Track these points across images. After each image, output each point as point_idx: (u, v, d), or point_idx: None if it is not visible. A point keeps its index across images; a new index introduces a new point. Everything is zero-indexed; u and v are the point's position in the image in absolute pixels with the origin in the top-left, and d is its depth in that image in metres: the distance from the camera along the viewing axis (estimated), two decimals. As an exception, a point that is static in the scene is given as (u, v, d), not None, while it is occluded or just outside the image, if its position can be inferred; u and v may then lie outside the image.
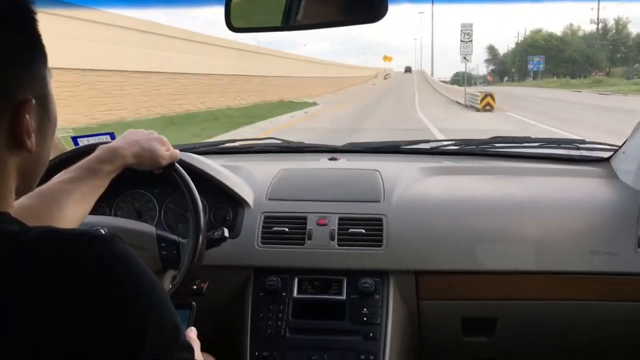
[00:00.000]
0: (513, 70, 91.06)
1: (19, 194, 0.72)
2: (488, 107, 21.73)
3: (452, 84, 49.43)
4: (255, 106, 24.53)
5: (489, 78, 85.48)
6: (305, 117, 20.22)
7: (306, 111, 22.65)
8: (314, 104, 27.98)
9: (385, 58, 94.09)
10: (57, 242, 0.62)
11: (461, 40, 27.32)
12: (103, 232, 0.68)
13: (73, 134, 1.81)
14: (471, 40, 27.41)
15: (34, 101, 0.68)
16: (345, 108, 24.65)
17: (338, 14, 1.24)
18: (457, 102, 27.35)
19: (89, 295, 0.59)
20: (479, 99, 22.30)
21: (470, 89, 31.05)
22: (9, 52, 0.65)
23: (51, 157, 1.54)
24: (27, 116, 0.67)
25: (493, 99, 22.17)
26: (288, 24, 1.26)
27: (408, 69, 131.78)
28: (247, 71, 26.75)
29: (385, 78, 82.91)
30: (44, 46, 0.71)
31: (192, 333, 1.09)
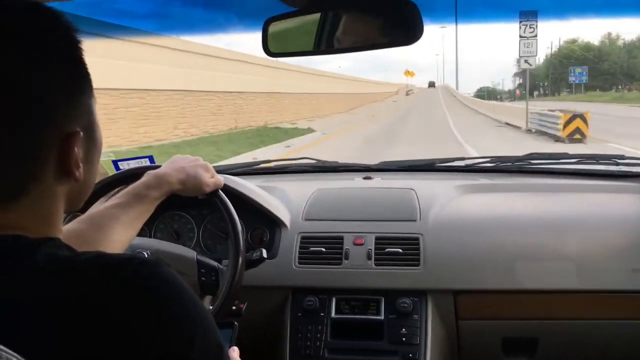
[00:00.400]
0: (545, 83, 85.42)
1: (65, 212, 0.74)
2: (578, 137, 14.98)
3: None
4: (212, 138, 18.53)
5: (516, 93, 78.39)
6: (280, 156, 10.98)
7: (288, 145, 16.64)
8: (309, 131, 21.62)
9: (407, 73, 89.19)
10: (106, 266, 0.64)
11: (520, 37, 19.23)
12: (149, 257, 0.70)
13: (114, 158, 1.86)
14: (535, 37, 19.12)
15: (81, 133, 0.69)
16: (351, 137, 18.50)
17: (373, 38, 1.25)
18: (510, 125, 20.92)
19: (136, 319, 0.61)
20: (560, 122, 15.44)
21: (535, 106, 23.37)
22: (57, 84, 0.67)
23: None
24: (76, 148, 0.68)
25: (586, 122, 15.21)
26: (320, 48, 1.29)
27: (432, 84, 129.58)
28: (255, 88, 23.88)
29: (407, 94, 77.29)
30: (89, 75, 0.73)
31: (234, 353, 1.11)
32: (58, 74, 0.67)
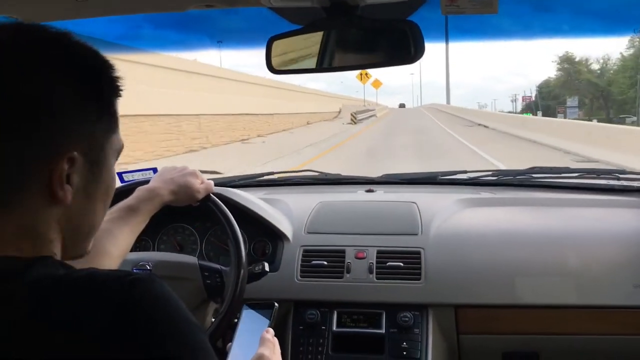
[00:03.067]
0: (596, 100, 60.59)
1: (67, 252, 0.73)
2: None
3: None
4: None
5: (558, 110, 53.95)
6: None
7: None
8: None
9: (375, 83, 50.92)
10: (99, 283, 0.64)
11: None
12: (143, 274, 0.70)
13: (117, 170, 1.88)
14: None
15: (76, 155, 0.68)
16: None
17: (376, 56, 1.28)
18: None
19: (129, 335, 0.61)
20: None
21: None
22: (61, 103, 0.67)
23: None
24: (66, 167, 0.67)
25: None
26: (323, 66, 1.31)
27: (402, 105, 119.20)
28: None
29: (353, 121, 35.11)
30: (114, 111, 0.73)
31: (268, 334, 1.15)
32: (71, 95, 0.68)
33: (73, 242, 0.74)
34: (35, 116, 0.66)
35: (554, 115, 48.91)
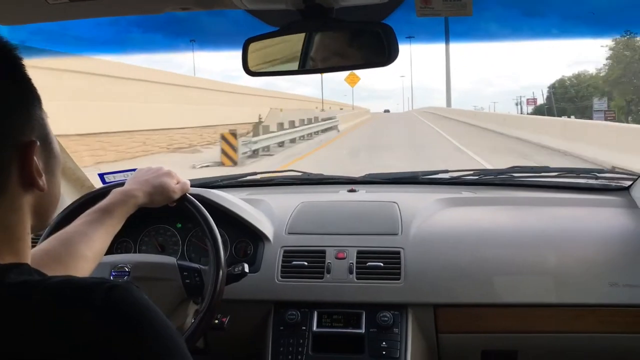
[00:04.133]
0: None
1: (34, 231, 0.76)
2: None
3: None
4: None
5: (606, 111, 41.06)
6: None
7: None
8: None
9: (350, 78, 43.07)
10: (76, 290, 0.65)
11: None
12: (120, 281, 0.70)
13: (99, 172, 1.88)
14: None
15: (38, 142, 0.72)
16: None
17: (352, 58, 1.28)
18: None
19: (105, 342, 0.61)
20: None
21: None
22: (4, 100, 0.69)
23: (79, 196, 1.62)
24: (35, 157, 0.71)
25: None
26: (299, 68, 1.31)
27: (386, 111, 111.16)
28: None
29: (228, 157, 14.42)
30: (36, 89, 0.75)
31: None
32: (4, 89, 0.69)
33: (42, 221, 0.77)
34: None
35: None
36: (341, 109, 52.33)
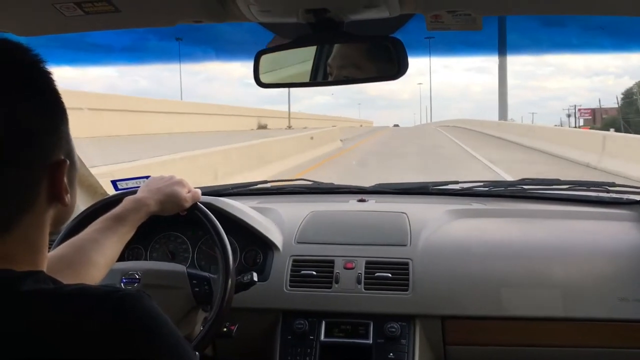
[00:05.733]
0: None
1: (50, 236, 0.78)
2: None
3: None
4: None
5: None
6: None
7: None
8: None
9: None
10: (88, 299, 0.66)
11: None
12: (132, 290, 0.72)
13: (112, 178, 1.91)
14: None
15: (68, 161, 0.73)
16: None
17: (362, 71, 1.30)
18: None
19: (115, 351, 0.63)
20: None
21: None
22: (41, 116, 0.70)
23: (92, 202, 1.64)
24: (64, 173, 0.72)
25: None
26: (314, 80, 1.33)
27: (396, 125, 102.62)
28: None
29: None
30: (64, 104, 0.76)
31: None
32: (40, 105, 0.70)
33: (57, 228, 0.79)
34: (24, 141, 0.68)
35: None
36: (333, 126, 38.81)
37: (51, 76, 0.73)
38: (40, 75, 0.72)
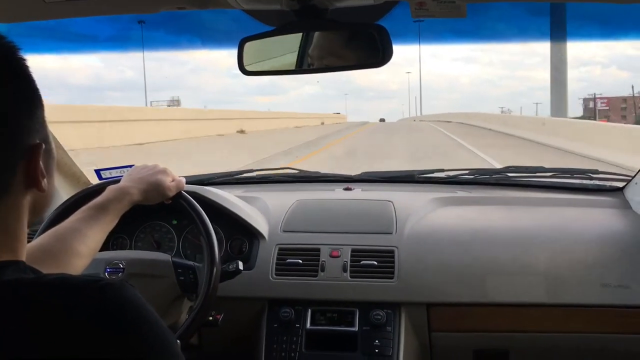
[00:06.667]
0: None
1: (27, 227, 0.77)
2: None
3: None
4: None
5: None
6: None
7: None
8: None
9: None
10: (70, 288, 0.66)
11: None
12: (114, 279, 0.72)
13: (95, 167, 1.89)
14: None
15: (43, 145, 0.73)
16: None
17: (347, 59, 1.29)
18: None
19: (98, 340, 0.63)
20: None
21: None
22: (16, 100, 0.70)
23: (75, 191, 1.63)
24: (40, 158, 0.72)
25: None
26: (300, 68, 1.32)
27: (382, 120, 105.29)
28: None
29: None
30: (39, 91, 0.75)
31: None
32: (14, 89, 0.70)
33: (36, 217, 0.78)
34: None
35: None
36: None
37: (25, 62, 0.73)
38: (13, 60, 0.71)
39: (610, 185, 2.09)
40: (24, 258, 0.73)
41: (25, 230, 0.75)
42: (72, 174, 2.04)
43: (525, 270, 1.71)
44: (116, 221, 1.31)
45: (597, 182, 2.13)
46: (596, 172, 2.18)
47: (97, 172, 1.87)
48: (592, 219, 1.90)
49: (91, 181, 2.04)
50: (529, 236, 1.79)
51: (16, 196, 0.71)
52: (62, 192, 1.90)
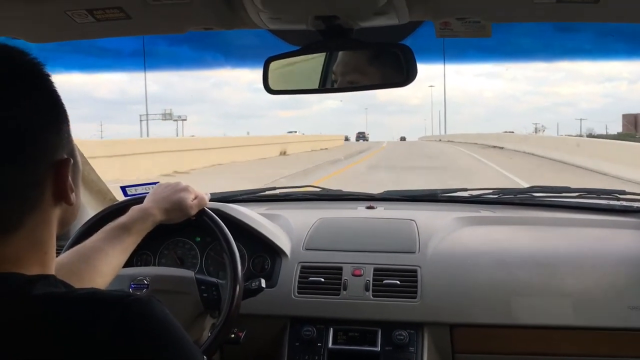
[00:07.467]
0: None
1: (57, 239, 0.79)
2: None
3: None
4: None
5: None
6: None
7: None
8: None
9: None
10: (99, 303, 0.67)
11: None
12: (142, 295, 0.72)
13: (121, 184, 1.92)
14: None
15: (65, 156, 0.74)
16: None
17: (370, 77, 1.30)
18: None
19: (125, 354, 0.63)
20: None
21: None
22: (41, 116, 0.71)
23: (101, 208, 1.65)
24: (68, 172, 0.73)
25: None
26: (324, 87, 1.33)
27: (403, 138, 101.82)
28: None
29: None
30: (64, 105, 0.77)
31: None
32: (40, 105, 0.71)
33: (63, 230, 0.79)
34: (25, 141, 0.69)
35: None
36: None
37: (50, 78, 0.74)
38: (38, 77, 0.73)
39: (637, 207, 2.05)
40: (53, 272, 0.74)
41: (54, 244, 0.76)
42: (99, 191, 2.07)
43: (551, 292, 1.68)
44: (139, 241, 1.33)
45: (624, 203, 2.10)
46: (623, 192, 2.15)
47: (123, 189, 1.89)
48: (619, 240, 1.86)
49: (117, 198, 2.06)
50: (554, 257, 1.76)
51: (46, 211, 0.72)
52: (89, 208, 1.93)
